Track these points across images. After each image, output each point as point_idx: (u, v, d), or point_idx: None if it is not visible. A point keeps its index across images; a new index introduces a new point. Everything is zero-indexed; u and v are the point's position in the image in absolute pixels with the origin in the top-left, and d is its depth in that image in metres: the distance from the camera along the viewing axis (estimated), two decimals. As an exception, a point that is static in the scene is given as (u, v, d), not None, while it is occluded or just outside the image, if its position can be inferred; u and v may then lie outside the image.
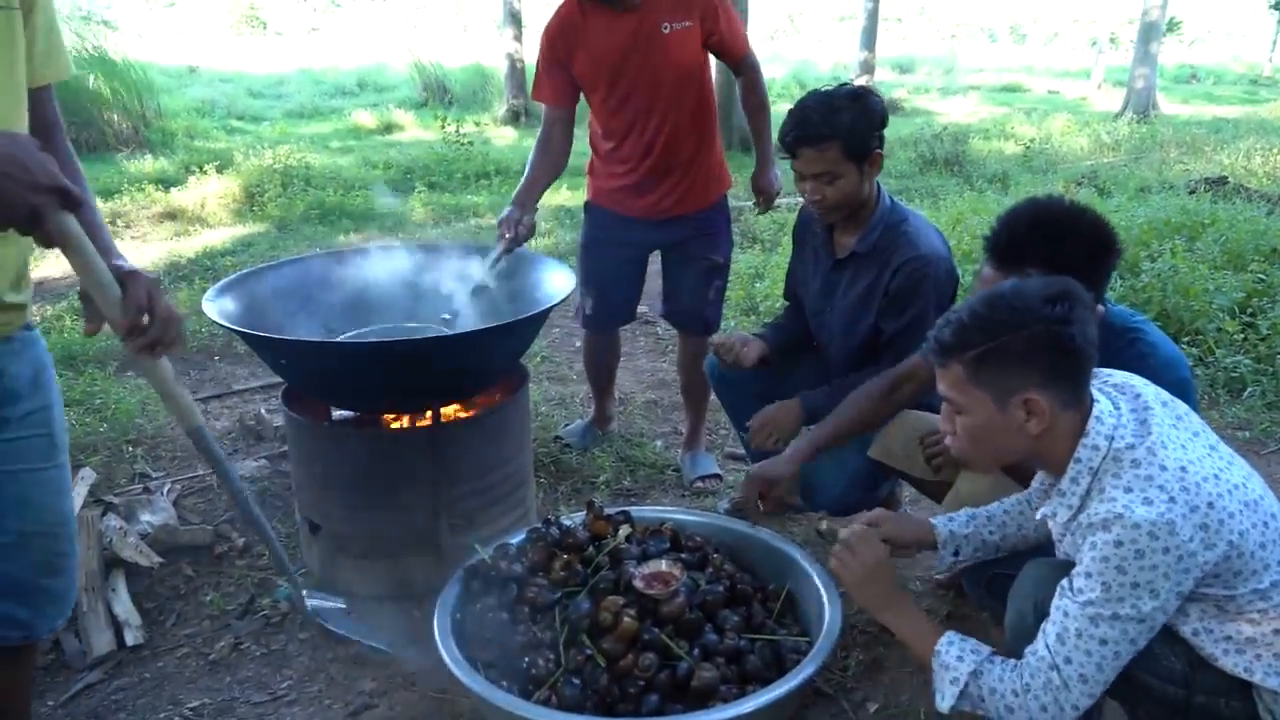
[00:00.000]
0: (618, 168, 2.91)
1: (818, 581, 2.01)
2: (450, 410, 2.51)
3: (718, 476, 3.11)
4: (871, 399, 2.21)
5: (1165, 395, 1.51)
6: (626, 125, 2.83)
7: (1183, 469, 1.37)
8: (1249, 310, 4.37)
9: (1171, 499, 1.34)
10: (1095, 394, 1.49)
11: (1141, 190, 7.78)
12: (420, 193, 8.28)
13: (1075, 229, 1.70)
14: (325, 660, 2.19)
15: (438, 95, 16.36)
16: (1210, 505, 1.35)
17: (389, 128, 13.71)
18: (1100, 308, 1.80)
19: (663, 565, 1.89)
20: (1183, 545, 1.33)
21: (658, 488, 3.07)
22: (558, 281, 2.54)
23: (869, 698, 2.03)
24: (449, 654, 1.76)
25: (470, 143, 9.86)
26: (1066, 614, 1.41)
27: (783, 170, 2.88)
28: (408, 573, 2.39)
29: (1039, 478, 1.76)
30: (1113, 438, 1.42)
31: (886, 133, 2.29)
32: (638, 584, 1.83)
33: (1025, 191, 7.32)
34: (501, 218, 2.75)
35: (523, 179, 2.92)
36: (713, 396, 3.19)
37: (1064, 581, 1.45)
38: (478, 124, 12.62)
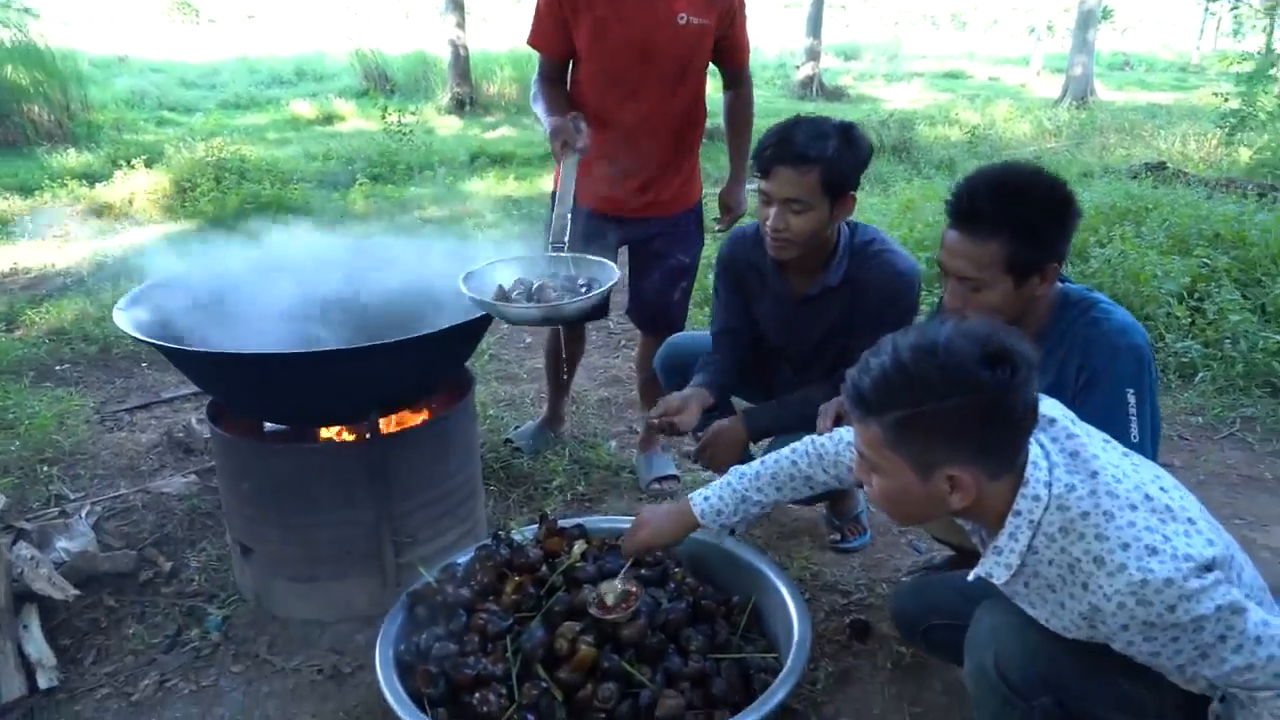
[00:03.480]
0: (589, 155, 2.76)
1: (784, 592, 1.91)
2: (390, 421, 2.36)
3: (675, 478, 3.00)
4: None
5: (1070, 413, 1.40)
6: (608, 109, 2.67)
7: (1147, 497, 1.28)
8: (1196, 295, 4.40)
9: (1165, 538, 1.24)
10: None
11: (1085, 175, 7.86)
12: (362, 184, 8.03)
13: (1034, 188, 1.65)
14: (261, 695, 2.03)
15: (379, 84, 15.96)
16: (1191, 520, 1.28)
17: (329, 118, 13.35)
18: (1058, 283, 1.76)
19: (620, 585, 1.77)
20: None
21: (613, 491, 2.95)
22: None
23: (840, 712, 1.94)
24: (392, 692, 1.63)
25: (412, 132, 9.61)
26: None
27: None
28: (350, 595, 2.25)
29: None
30: (1050, 483, 1.29)
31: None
32: (594, 611, 1.71)
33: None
34: (554, 128, 2.44)
35: (546, 109, 2.63)
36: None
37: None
38: (416, 113, 12.32)
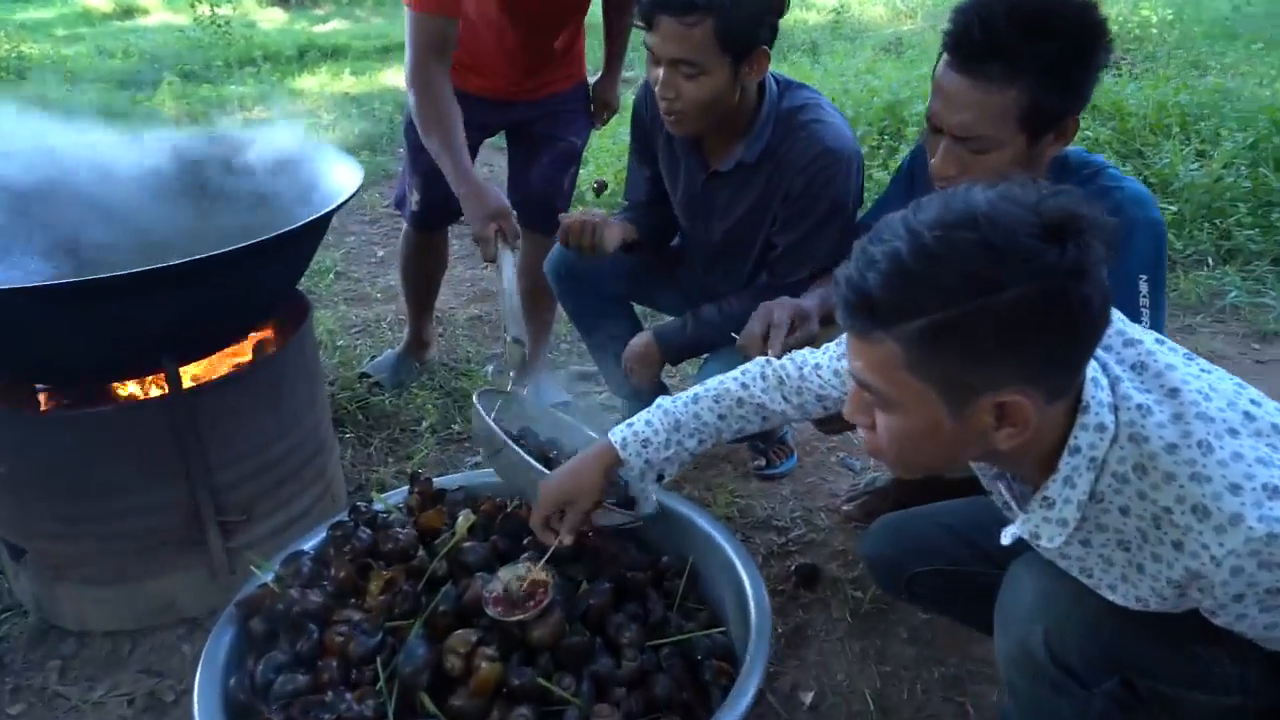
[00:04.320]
0: (474, 46, 2.20)
1: (725, 547, 1.54)
2: (199, 369, 1.82)
3: (567, 403, 2.59)
4: None
5: (1116, 310, 1.05)
6: (511, 26, 2.14)
7: (1248, 416, 0.95)
8: (1085, 170, 4.26)
9: None
10: None
11: (948, 56, 7.68)
12: (171, 83, 6.97)
13: (1063, 12, 1.26)
14: (49, 745, 1.53)
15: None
16: None
17: (129, 11, 11.81)
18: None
19: (524, 569, 1.35)
20: None
21: (496, 426, 2.51)
22: (340, 177, 1.88)
23: (799, 683, 1.61)
24: (218, 754, 1.17)
25: (228, 23, 8.46)
26: None
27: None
28: (169, 595, 1.75)
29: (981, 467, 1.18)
30: (1116, 406, 0.94)
31: None
32: (493, 610, 1.29)
33: (838, 62, 7.01)
34: (490, 211, 1.91)
35: (446, 153, 1.99)
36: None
37: None
38: (234, 5, 10.93)
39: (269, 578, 1.43)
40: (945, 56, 1.33)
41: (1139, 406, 0.94)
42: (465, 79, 2.20)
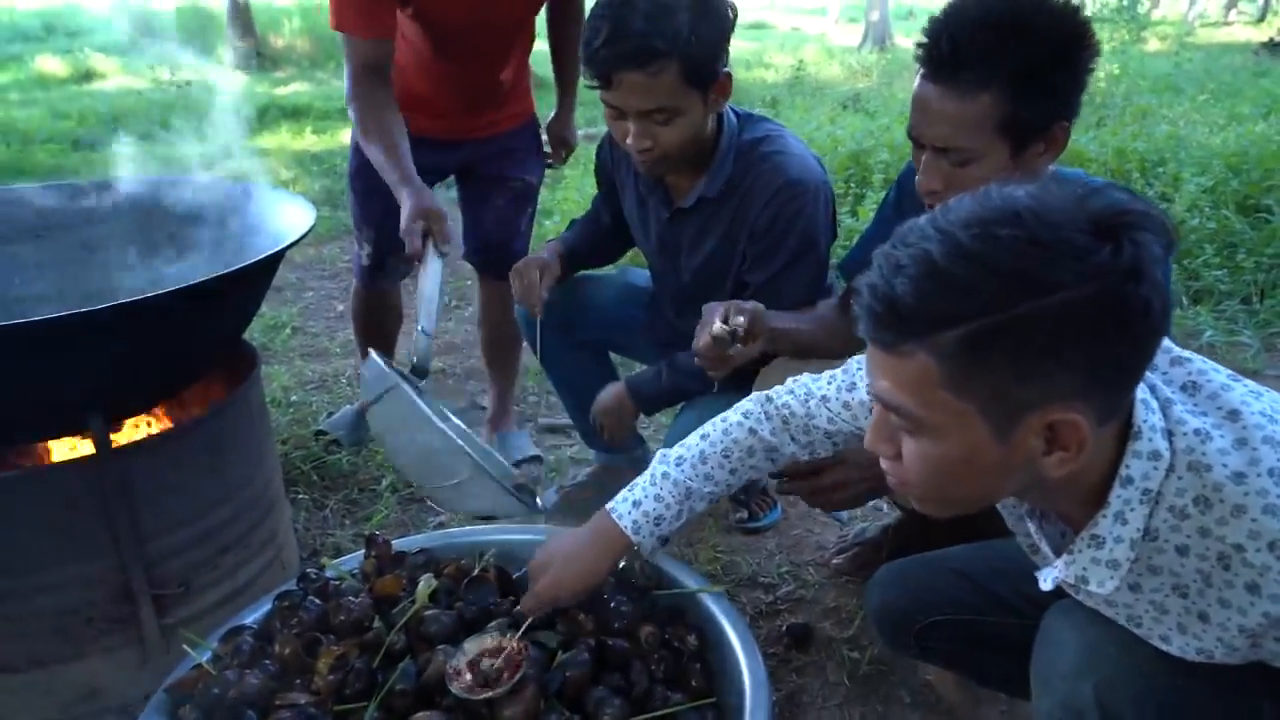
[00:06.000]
0: (416, 87, 2.12)
1: (711, 607, 1.41)
2: (133, 425, 1.67)
3: (537, 459, 2.46)
4: (829, 325, 1.64)
5: None
6: (446, 62, 2.07)
7: None
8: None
9: None
10: None
11: (904, 112, 7.82)
12: (127, 144, 6.85)
13: (1037, 18, 1.20)
14: None
15: (148, 40, 14.17)
16: None
17: (87, 76, 11.76)
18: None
19: (493, 640, 1.21)
20: None
21: (461, 484, 2.36)
22: (291, 217, 1.77)
23: (797, 759, 1.47)
24: None
25: (189, 84, 8.41)
26: None
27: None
28: (93, 680, 1.56)
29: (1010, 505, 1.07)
30: (1171, 432, 0.85)
31: None
32: (457, 688, 1.14)
33: (799, 115, 7.09)
34: (416, 211, 1.77)
35: (387, 157, 1.88)
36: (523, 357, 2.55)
37: None
38: (197, 72, 10.91)
39: (205, 657, 1.27)
40: (920, 70, 1.27)
41: (1196, 431, 0.84)
42: (411, 120, 2.08)
